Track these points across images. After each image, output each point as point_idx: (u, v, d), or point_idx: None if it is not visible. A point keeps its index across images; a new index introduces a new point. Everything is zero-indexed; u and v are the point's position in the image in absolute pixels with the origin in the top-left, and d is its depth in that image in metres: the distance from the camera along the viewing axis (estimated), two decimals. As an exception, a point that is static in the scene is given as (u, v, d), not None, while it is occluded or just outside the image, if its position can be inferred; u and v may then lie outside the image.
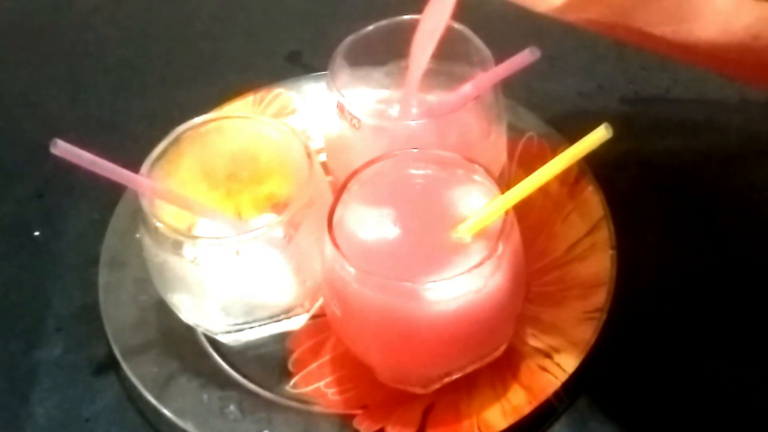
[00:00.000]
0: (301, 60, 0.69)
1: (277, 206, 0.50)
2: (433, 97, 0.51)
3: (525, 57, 0.46)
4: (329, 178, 0.51)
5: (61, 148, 0.41)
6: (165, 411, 0.46)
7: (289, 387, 0.48)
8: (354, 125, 0.49)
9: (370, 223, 0.44)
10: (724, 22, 0.38)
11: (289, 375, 0.49)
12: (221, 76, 0.68)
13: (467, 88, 0.48)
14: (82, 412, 0.49)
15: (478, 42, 0.50)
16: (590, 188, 0.54)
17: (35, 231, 0.58)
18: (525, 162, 0.56)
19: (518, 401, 0.45)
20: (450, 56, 0.50)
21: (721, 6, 0.38)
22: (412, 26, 0.51)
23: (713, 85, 0.62)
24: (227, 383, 0.48)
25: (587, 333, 0.47)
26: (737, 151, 0.59)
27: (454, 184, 0.45)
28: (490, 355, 0.46)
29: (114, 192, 0.54)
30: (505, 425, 0.44)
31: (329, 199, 0.45)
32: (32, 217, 0.59)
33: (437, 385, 0.47)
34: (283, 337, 0.50)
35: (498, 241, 0.41)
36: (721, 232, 0.54)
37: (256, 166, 0.50)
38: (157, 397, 0.47)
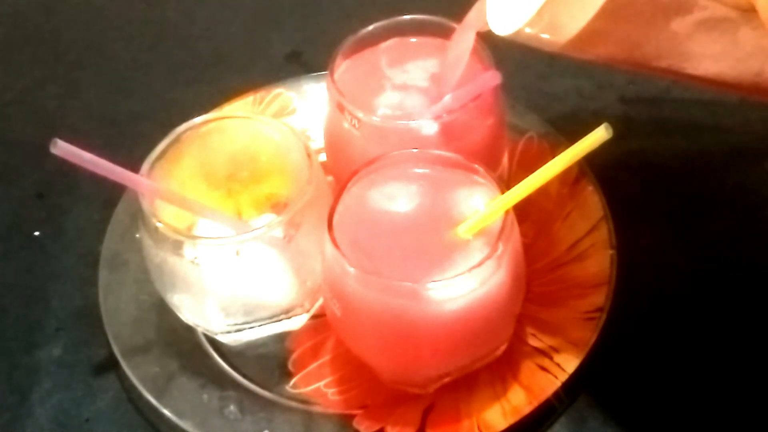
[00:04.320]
0: (301, 60, 0.69)
1: (277, 206, 0.49)
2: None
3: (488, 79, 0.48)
4: (329, 178, 0.51)
5: (61, 148, 0.41)
6: (165, 411, 0.46)
7: (289, 387, 0.48)
8: (354, 125, 0.49)
9: (371, 223, 0.44)
10: (723, 55, 0.38)
11: (289, 375, 0.49)
12: (221, 76, 0.68)
13: (467, 89, 0.48)
14: (82, 412, 0.49)
15: (478, 43, 0.50)
16: (590, 188, 0.54)
17: (35, 231, 0.58)
18: (525, 162, 0.56)
19: (518, 401, 0.45)
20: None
21: (716, 39, 0.37)
22: (412, 26, 0.51)
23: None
24: (227, 383, 0.48)
25: (587, 333, 0.47)
26: (737, 151, 0.59)
27: (454, 184, 0.45)
28: (490, 355, 0.46)
29: (114, 192, 0.54)
30: (505, 425, 0.44)
31: (329, 199, 0.45)
32: (32, 217, 0.59)
33: (437, 385, 0.47)
34: (283, 337, 0.50)
35: (498, 241, 0.41)
36: (721, 232, 0.54)
37: (256, 166, 0.50)
38: (157, 397, 0.47)
